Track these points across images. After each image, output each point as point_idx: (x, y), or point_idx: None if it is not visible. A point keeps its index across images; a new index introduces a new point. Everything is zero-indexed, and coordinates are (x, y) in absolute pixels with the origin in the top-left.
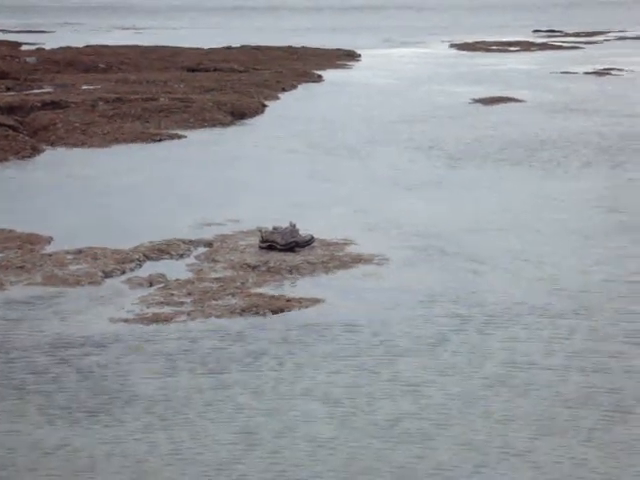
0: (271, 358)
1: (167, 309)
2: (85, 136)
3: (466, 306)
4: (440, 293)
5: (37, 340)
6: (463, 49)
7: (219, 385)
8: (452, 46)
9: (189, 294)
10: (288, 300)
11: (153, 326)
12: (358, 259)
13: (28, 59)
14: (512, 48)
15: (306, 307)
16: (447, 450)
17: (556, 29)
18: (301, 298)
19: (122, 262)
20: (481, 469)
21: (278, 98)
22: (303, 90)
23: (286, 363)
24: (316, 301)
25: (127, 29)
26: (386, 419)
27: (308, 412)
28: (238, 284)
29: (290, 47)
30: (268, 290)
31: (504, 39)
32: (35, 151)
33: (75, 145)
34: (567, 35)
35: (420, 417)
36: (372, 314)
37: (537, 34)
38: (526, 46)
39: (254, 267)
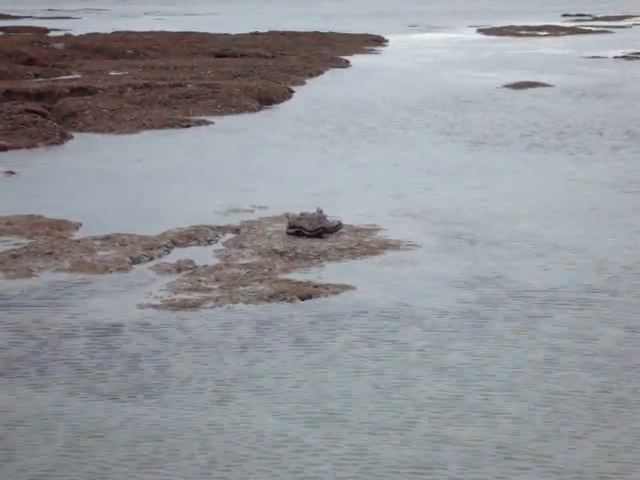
0: (304, 343)
1: (195, 295)
2: (113, 122)
3: (505, 291)
4: (475, 278)
5: (70, 326)
6: (491, 34)
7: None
8: (479, 31)
9: (217, 280)
10: (316, 286)
11: (181, 312)
12: (386, 245)
13: (56, 45)
14: (541, 33)
15: (334, 293)
16: None
17: (585, 13)
18: (329, 284)
19: (150, 248)
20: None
21: (305, 83)
22: (330, 75)
23: (324, 347)
24: (344, 287)
25: (152, 15)
26: (443, 395)
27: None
28: (266, 270)
29: (317, 32)
30: (296, 276)
31: (532, 24)
32: (64, 137)
33: (103, 131)
34: (596, 19)
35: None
36: (403, 300)
37: (566, 18)
38: (555, 30)
39: (282, 253)
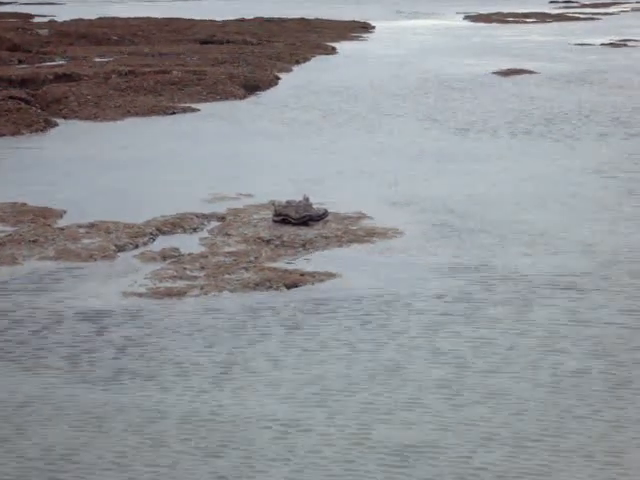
0: (295, 329)
1: (180, 283)
2: (98, 109)
3: (495, 276)
4: (464, 265)
5: (55, 313)
6: (478, 21)
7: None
8: (467, 18)
9: (202, 268)
10: (302, 274)
11: (166, 300)
12: (372, 233)
13: (40, 31)
14: (528, 20)
15: (321, 281)
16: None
17: (573, 0)
18: (315, 272)
19: (135, 236)
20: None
21: (291, 70)
22: (317, 62)
23: (316, 333)
24: (331, 275)
25: (136, 0)
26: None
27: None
28: (252, 258)
29: (303, 19)
30: (282, 264)
31: (520, 10)
32: (48, 124)
33: (88, 118)
34: (584, 6)
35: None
36: (391, 287)
37: (553, 5)
38: (542, 17)
39: (267, 241)
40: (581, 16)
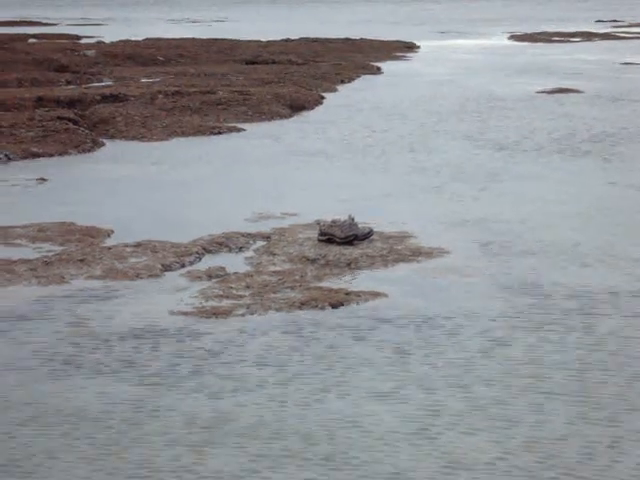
0: (340, 351)
1: (226, 302)
2: (144, 129)
3: (543, 296)
4: (513, 284)
5: (103, 331)
6: (523, 40)
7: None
8: (511, 37)
9: (248, 287)
10: (347, 294)
11: (212, 319)
12: (418, 252)
13: (87, 52)
14: (574, 39)
15: (366, 301)
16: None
17: (619, 19)
18: (360, 292)
19: (181, 255)
20: None
21: (337, 90)
22: (362, 82)
23: (366, 350)
24: (376, 294)
25: (180, 21)
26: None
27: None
28: (297, 277)
29: (349, 39)
30: (327, 284)
31: (565, 30)
32: (95, 144)
33: (135, 138)
34: (631, 25)
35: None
36: (438, 307)
37: (600, 24)
38: (588, 36)
39: (313, 260)
40: (627, 35)
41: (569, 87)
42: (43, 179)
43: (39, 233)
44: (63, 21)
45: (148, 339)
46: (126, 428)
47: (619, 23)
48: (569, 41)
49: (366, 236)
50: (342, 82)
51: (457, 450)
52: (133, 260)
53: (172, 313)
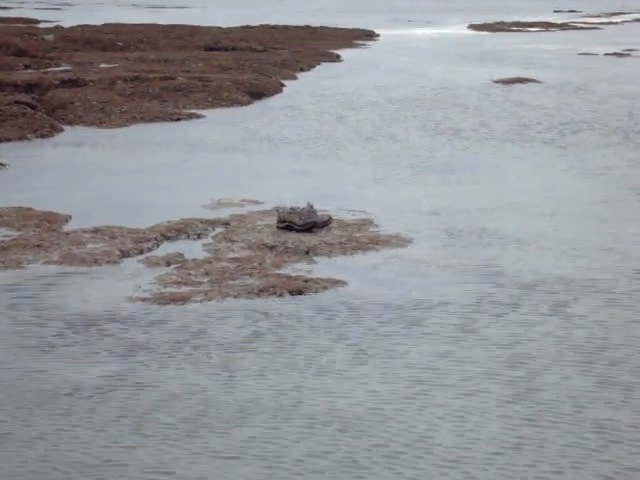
0: (297, 338)
1: (184, 289)
2: (103, 115)
3: (505, 282)
4: (472, 270)
5: (58, 317)
6: (482, 30)
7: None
8: (470, 27)
9: (206, 274)
10: (306, 281)
11: (170, 306)
12: (377, 240)
13: (46, 37)
14: (532, 29)
15: (324, 288)
16: None
17: (576, 10)
18: (319, 279)
19: (139, 241)
20: None
21: (296, 78)
22: (321, 70)
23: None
24: (335, 282)
25: (141, 7)
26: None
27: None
28: (255, 264)
29: (309, 27)
30: (286, 271)
31: (523, 19)
32: (54, 129)
33: (93, 124)
34: (588, 16)
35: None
36: (395, 294)
37: (558, 14)
38: (546, 26)
39: (271, 247)
40: (585, 26)
41: (527, 77)
42: (1, 164)
43: None
44: (21, 5)
45: (104, 325)
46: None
47: (577, 13)
48: (528, 31)
49: (325, 224)
50: (302, 70)
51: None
52: (91, 246)
53: (130, 299)
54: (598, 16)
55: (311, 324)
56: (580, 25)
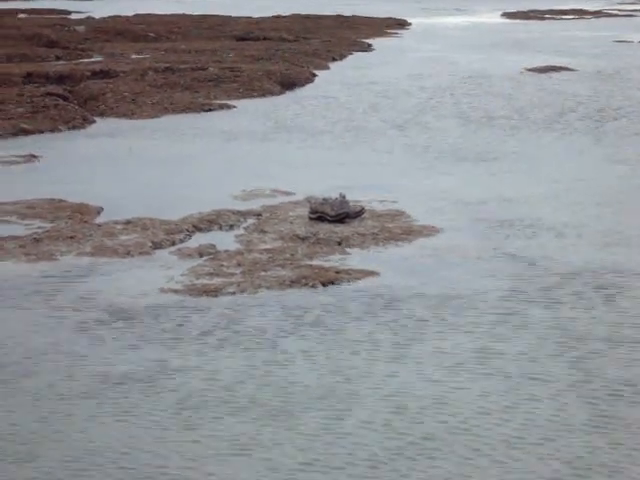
0: (333, 328)
1: (217, 280)
2: (135, 106)
3: (542, 272)
4: (507, 262)
5: (93, 308)
6: (515, 18)
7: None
8: (504, 15)
9: (239, 265)
10: (338, 272)
11: (203, 297)
12: (409, 231)
13: (77, 28)
14: (566, 16)
15: (357, 279)
16: None
17: None
18: (351, 270)
19: (171, 233)
20: None
21: (328, 68)
22: (353, 59)
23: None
24: (368, 273)
25: None
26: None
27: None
28: (287, 255)
29: (340, 16)
30: (318, 262)
31: (557, 7)
32: (85, 121)
33: (125, 115)
34: (623, 2)
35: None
36: (429, 285)
37: (592, 2)
38: (580, 14)
39: (303, 238)
40: (620, 13)
41: (561, 65)
42: (33, 156)
43: (29, 210)
44: None
45: (137, 317)
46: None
47: (611, 0)
48: (562, 19)
49: (357, 214)
50: (333, 59)
51: None
52: (123, 237)
53: (163, 291)
54: (633, 3)
55: (345, 314)
56: (615, 12)
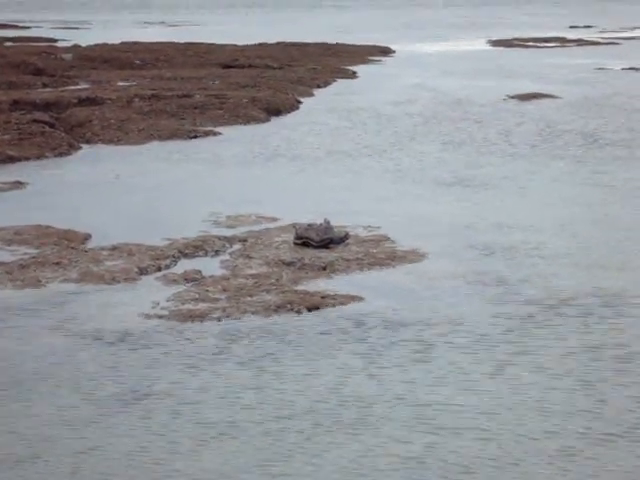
0: (313, 353)
1: (202, 305)
2: (121, 133)
3: (525, 299)
4: (492, 286)
5: (78, 335)
6: (499, 45)
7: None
8: (488, 42)
9: (224, 290)
10: (323, 297)
11: (188, 323)
12: (393, 256)
13: (64, 55)
14: (548, 44)
15: (342, 304)
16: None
17: (593, 24)
18: (336, 295)
19: (157, 258)
20: None
21: (313, 95)
22: (338, 86)
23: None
24: (352, 298)
25: (157, 24)
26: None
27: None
28: (273, 281)
29: (325, 43)
30: (303, 287)
31: (540, 35)
32: (72, 148)
33: (111, 142)
34: (604, 31)
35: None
36: (413, 310)
37: (574, 30)
38: (562, 42)
39: (289, 264)
40: (601, 41)
41: (543, 92)
42: (20, 182)
43: (15, 236)
44: (40, 24)
45: (122, 343)
46: None
47: (593, 29)
48: (544, 46)
49: (342, 240)
50: (318, 86)
51: None
52: (109, 263)
53: (148, 317)
54: (614, 31)
55: (329, 339)
56: (596, 40)
